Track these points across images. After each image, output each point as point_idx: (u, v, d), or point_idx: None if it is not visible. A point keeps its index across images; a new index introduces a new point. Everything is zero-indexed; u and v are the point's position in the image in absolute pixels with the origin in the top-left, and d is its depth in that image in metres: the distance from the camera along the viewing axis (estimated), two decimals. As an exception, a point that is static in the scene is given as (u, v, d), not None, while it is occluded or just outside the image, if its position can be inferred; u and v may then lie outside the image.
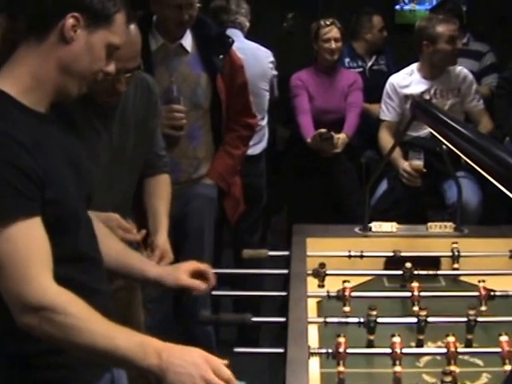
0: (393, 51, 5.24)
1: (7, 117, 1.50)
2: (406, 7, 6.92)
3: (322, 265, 2.31)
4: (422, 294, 2.19)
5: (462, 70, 3.89)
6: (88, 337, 1.45)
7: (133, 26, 2.03)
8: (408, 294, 2.20)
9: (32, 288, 1.44)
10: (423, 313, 2.03)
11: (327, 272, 2.29)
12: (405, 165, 3.67)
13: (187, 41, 2.92)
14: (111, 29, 1.60)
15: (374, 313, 2.00)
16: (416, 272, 2.33)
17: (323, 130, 3.92)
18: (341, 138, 4.00)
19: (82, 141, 1.80)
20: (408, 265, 2.35)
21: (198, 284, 1.96)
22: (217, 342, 3.22)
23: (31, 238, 1.47)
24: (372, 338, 2.02)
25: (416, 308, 2.14)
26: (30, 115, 1.54)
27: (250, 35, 4.15)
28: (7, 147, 1.45)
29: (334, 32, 4.17)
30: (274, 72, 4.19)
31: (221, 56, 2.93)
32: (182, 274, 1.96)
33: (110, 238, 1.92)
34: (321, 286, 2.28)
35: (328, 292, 2.17)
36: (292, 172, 4.36)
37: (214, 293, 2.12)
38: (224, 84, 2.96)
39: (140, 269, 1.94)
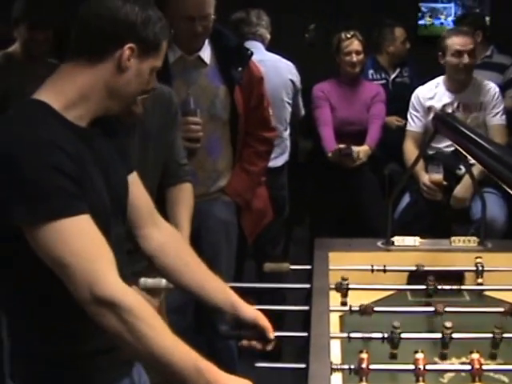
0: (416, 63, 5.23)
1: (52, 127, 1.54)
2: (421, 22, 6.87)
3: (345, 279, 2.29)
4: (446, 309, 2.17)
5: (488, 83, 3.84)
6: (148, 343, 1.47)
7: None
8: (431, 308, 2.18)
9: (101, 281, 1.47)
10: (448, 328, 2.00)
11: (350, 286, 2.28)
12: (425, 178, 3.66)
13: (206, 53, 2.91)
14: (158, 55, 1.67)
15: (398, 329, 1.98)
16: (440, 286, 2.31)
17: (343, 146, 3.92)
18: (363, 150, 4.00)
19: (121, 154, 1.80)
20: (431, 279, 2.33)
21: (270, 330, 1.88)
22: (238, 354, 3.20)
23: (93, 233, 1.51)
24: (395, 351, 2.00)
25: (440, 323, 2.11)
26: (70, 128, 1.58)
27: (272, 47, 4.16)
28: (54, 154, 1.49)
29: (355, 45, 4.17)
30: (298, 86, 4.16)
31: (239, 68, 2.91)
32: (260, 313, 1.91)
33: (198, 263, 1.91)
34: (344, 301, 2.26)
35: (350, 306, 2.16)
36: (314, 184, 4.35)
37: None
38: (242, 96, 2.94)
39: (233, 308, 1.89)
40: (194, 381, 1.47)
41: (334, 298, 2.27)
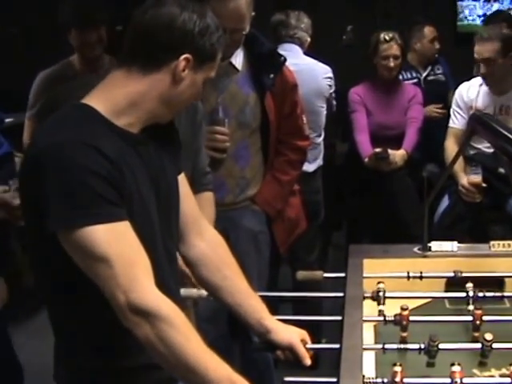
0: (455, 61, 5.12)
1: (96, 131, 1.52)
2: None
3: (381, 287, 2.23)
4: (486, 318, 2.09)
5: None
6: (182, 353, 1.47)
7: None
8: (470, 318, 2.10)
9: (137, 289, 1.47)
10: (488, 341, 1.92)
11: (386, 295, 2.21)
12: (463, 180, 3.58)
13: (238, 59, 2.86)
14: (213, 65, 1.65)
15: (436, 341, 1.90)
16: (481, 294, 2.23)
17: (378, 150, 3.86)
18: (399, 154, 3.93)
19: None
20: (470, 285, 2.25)
21: (306, 357, 1.83)
22: (275, 363, 3.16)
23: (130, 240, 1.50)
24: (432, 361, 1.93)
25: (477, 334, 2.04)
26: (119, 134, 1.56)
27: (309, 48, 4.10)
28: (90, 157, 1.47)
29: (394, 49, 4.10)
30: (332, 89, 4.10)
31: (271, 75, 2.85)
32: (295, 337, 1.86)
33: (237, 279, 1.88)
34: (380, 310, 2.19)
35: (385, 316, 2.09)
36: (350, 188, 4.30)
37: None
38: (274, 104, 2.88)
39: (267, 331, 1.86)
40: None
41: (371, 306, 2.21)
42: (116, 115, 1.57)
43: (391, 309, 2.14)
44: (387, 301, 2.21)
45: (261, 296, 1.93)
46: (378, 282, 2.25)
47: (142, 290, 1.47)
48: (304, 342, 1.84)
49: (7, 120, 4.89)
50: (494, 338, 1.93)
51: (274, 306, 3.57)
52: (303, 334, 1.87)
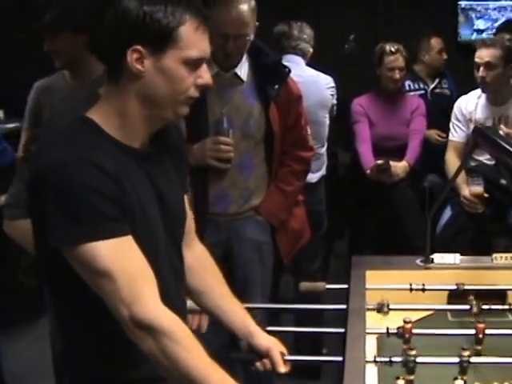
0: (457, 73, 5.13)
1: (97, 146, 1.50)
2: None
3: (386, 299, 2.23)
4: (488, 331, 2.08)
5: None
6: (186, 368, 1.47)
7: None
8: (472, 331, 2.09)
9: (140, 303, 1.46)
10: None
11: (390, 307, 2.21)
12: (465, 191, 3.59)
13: (243, 69, 2.86)
14: (179, 45, 1.50)
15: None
16: (486, 306, 2.24)
17: (380, 162, 3.86)
18: (401, 166, 3.94)
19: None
20: (471, 298, 2.26)
21: (281, 365, 1.85)
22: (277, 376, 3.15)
23: (133, 254, 1.49)
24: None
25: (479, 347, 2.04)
26: (121, 148, 1.55)
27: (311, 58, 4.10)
28: (92, 174, 1.45)
29: (400, 61, 4.12)
30: (334, 101, 4.10)
31: (276, 86, 2.86)
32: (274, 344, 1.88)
33: (221, 288, 1.90)
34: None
35: (388, 329, 2.09)
36: (352, 198, 4.30)
37: (267, 328, 2.04)
38: (279, 115, 2.88)
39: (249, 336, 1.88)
40: None
41: (374, 318, 2.21)
42: (116, 131, 1.55)
43: (393, 321, 2.15)
44: (390, 313, 2.22)
45: (263, 308, 1.94)
46: (382, 296, 2.26)
47: (145, 303, 1.47)
48: (282, 354, 1.87)
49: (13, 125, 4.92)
50: (496, 352, 1.93)
51: (276, 316, 3.59)
52: (281, 346, 1.90)
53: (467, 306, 2.26)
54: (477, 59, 3.61)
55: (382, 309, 2.22)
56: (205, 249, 1.93)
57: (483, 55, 3.59)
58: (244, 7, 2.70)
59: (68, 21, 2.92)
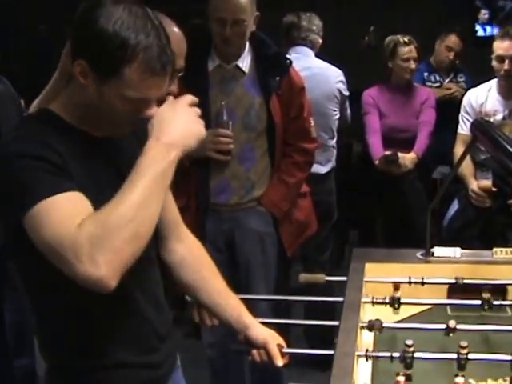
0: (474, 67, 5.10)
1: (48, 130, 1.53)
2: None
3: (396, 292, 2.23)
4: (490, 327, 2.07)
5: None
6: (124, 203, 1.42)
7: None
8: (443, 326, 2.05)
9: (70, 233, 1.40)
10: (464, 348, 1.86)
11: (384, 300, 2.20)
12: (473, 185, 3.56)
13: (244, 62, 2.87)
14: (120, 82, 1.49)
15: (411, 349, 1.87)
16: (497, 302, 2.23)
17: (388, 153, 3.86)
18: (409, 158, 3.92)
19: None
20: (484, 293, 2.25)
21: (278, 358, 1.86)
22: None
23: (82, 206, 1.45)
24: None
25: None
26: (76, 133, 1.57)
27: (325, 52, 4.10)
28: (34, 145, 1.46)
29: (414, 52, 4.14)
30: (346, 94, 4.07)
31: (277, 77, 2.86)
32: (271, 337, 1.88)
33: (215, 280, 1.90)
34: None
35: (381, 323, 2.07)
36: (363, 188, 4.30)
37: (260, 320, 2.03)
38: (280, 106, 2.88)
39: (245, 328, 1.88)
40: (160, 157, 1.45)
41: (373, 311, 2.21)
42: (76, 118, 1.58)
43: (390, 314, 2.15)
44: (386, 307, 2.21)
45: (263, 299, 1.93)
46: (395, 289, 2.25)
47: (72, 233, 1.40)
48: (280, 346, 1.87)
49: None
50: (494, 346, 1.91)
51: (287, 307, 3.57)
52: (279, 338, 1.90)
53: (479, 302, 2.23)
54: (500, 51, 3.51)
55: (393, 302, 2.21)
56: (197, 241, 1.93)
57: (509, 47, 3.50)
58: None
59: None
